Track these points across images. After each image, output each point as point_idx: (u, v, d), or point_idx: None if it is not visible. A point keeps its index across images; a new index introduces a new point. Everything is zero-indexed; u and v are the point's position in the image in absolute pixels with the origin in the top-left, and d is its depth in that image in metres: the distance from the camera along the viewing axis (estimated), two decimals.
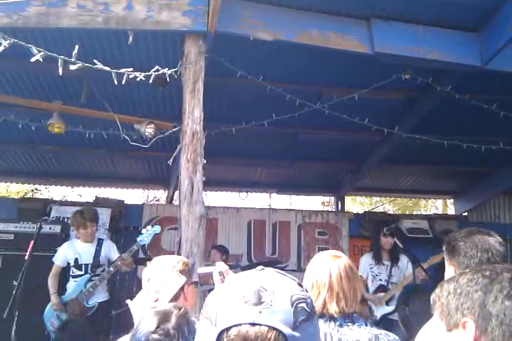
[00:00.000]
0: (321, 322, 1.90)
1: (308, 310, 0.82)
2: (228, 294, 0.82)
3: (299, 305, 0.81)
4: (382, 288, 5.11)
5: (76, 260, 4.96)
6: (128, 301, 2.00)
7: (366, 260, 5.28)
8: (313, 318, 0.83)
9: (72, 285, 4.92)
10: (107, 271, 4.87)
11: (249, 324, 0.77)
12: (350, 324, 1.90)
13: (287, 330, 0.77)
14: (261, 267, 0.89)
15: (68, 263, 5.00)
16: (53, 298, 4.82)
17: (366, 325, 1.95)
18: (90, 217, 5.02)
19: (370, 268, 5.21)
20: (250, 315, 0.77)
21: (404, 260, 5.10)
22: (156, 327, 1.49)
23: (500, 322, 0.91)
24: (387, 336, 1.90)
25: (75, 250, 5.01)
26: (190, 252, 3.55)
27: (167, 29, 3.83)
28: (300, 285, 0.86)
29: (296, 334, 0.77)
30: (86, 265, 4.96)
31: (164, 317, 1.52)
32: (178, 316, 1.53)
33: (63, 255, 5.01)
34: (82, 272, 4.94)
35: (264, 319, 0.77)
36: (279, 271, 0.88)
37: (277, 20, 4.01)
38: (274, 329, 0.76)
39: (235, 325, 0.77)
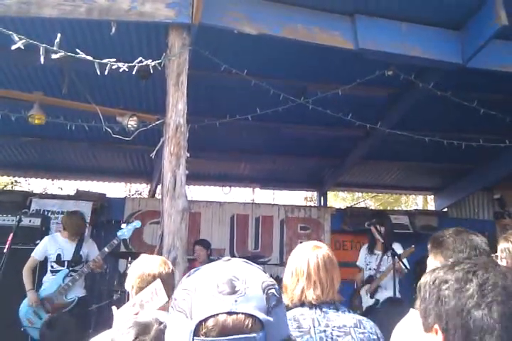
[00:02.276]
0: (306, 309, 1.97)
1: (277, 295, 0.84)
2: (200, 285, 0.82)
3: (270, 291, 0.82)
4: (370, 279, 5.28)
5: (59, 255, 4.93)
6: (114, 308, 2.00)
7: (363, 251, 5.54)
8: (281, 303, 0.85)
9: (49, 279, 4.87)
10: (80, 270, 4.84)
11: (226, 313, 0.77)
12: (334, 310, 1.97)
13: (262, 316, 0.79)
14: (227, 257, 0.90)
15: (46, 258, 4.94)
16: (30, 295, 4.72)
17: (349, 312, 2.03)
18: (85, 223, 5.27)
19: (365, 259, 5.44)
20: (226, 305, 0.78)
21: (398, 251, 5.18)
22: (134, 339, 1.47)
23: (465, 335, 0.90)
24: (368, 321, 2.01)
25: (57, 245, 4.96)
26: (173, 245, 3.54)
27: (151, 20, 3.79)
28: (265, 272, 0.89)
29: (270, 318, 0.79)
30: (68, 261, 4.94)
31: (144, 328, 1.50)
32: (158, 330, 1.51)
33: (43, 249, 4.94)
34: (64, 268, 4.91)
35: (240, 307, 0.78)
36: (245, 260, 0.89)
37: (262, 14, 4.00)
38: (251, 316, 0.78)
39: (212, 316, 0.77)
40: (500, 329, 0.87)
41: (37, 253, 4.93)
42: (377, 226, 5.25)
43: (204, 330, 0.77)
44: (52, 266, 4.90)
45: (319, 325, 1.90)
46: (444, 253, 2.06)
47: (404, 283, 5.24)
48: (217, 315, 0.77)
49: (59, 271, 4.89)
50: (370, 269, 5.34)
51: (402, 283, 5.16)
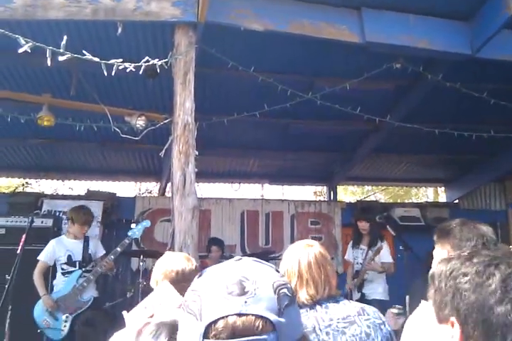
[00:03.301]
0: (304, 309, 1.94)
1: (289, 294, 0.83)
2: (210, 287, 0.81)
3: (281, 291, 0.81)
4: (357, 273, 5.41)
5: (69, 257, 4.93)
6: (124, 312, 1.99)
7: (350, 246, 5.69)
8: (294, 302, 0.84)
9: (61, 281, 4.88)
10: (94, 270, 4.84)
11: (236, 315, 0.76)
12: (334, 303, 1.96)
13: (274, 317, 0.78)
14: (238, 257, 0.88)
15: (55, 261, 4.95)
16: (46, 299, 4.71)
17: (350, 302, 2.01)
18: (93, 216, 5.11)
19: (352, 253, 5.57)
20: (236, 306, 0.77)
21: (385, 249, 5.32)
22: (169, 339, 1.47)
23: (486, 331, 0.88)
24: (370, 307, 1.99)
25: (65, 247, 4.96)
26: (184, 243, 3.55)
27: (157, 20, 3.78)
28: (277, 271, 0.87)
29: (282, 320, 0.78)
30: (79, 261, 4.95)
31: (172, 328, 1.51)
32: None
33: (52, 253, 4.92)
34: (76, 268, 4.92)
35: (251, 308, 0.77)
36: (256, 259, 0.88)
37: (268, 11, 3.98)
38: (261, 317, 0.77)
39: (221, 318, 0.76)
40: None
41: (47, 258, 4.90)
42: (389, 221, 5.29)
43: (214, 332, 0.76)
44: (62, 268, 4.90)
45: (323, 321, 1.89)
46: (452, 242, 2.07)
47: (417, 274, 5.25)
48: (227, 316, 0.76)
49: (71, 272, 4.90)
50: (357, 264, 5.46)
51: (401, 276, 5.18)
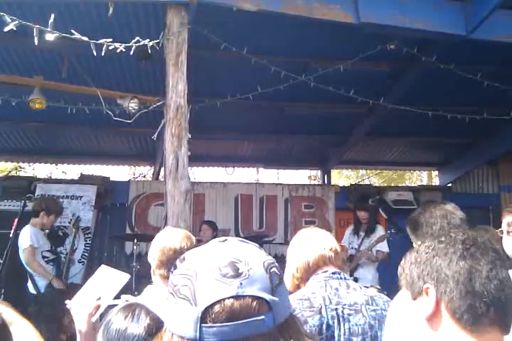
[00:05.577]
0: (316, 287, 1.94)
1: (278, 273, 0.83)
2: (201, 270, 0.79)
3: (272, 270, 0.82)
4: (351, 257, 5.64)
5: (51, 245, 5.14)
6: (67, 302, 1.97)
7: (348, 231, 5.94)
8: (283, 280, 0.85)
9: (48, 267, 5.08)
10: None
11: (233, 297, 0.76)
12: (346, 287, 1.95)
13: (269, 297, 0.78)
14: (223, 238, 0.87)
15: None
16: (57, 281, 4.91)
17: (361, 289, 2.01)
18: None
19: (349, 238, 5.83)
20: (232, 288, 0.77)
21: (377, 234, 5.55)
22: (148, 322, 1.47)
23: (456, 283, 0.96)
24: (381, 298, 1.98)
25: (42, 237, 5.08)
26: (177, 227, 3.54)
27: (148, 0, 3.73)
28: (261, 249, 0.87)
29: (276, 298, 0.79)
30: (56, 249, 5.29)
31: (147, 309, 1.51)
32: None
33: (36, 239, 4.97)
34: (55, 256, 5.17)
35: (247, 290, 0.77)
36: (241, 239, 0.88)
37: None
38: (257, 298, 0.77)
39: (218, 301, 0.76)
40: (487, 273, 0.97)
41: (34, 242, 4.92)
42: (381, 204, 5.38)
43: (212, 316, 0.75)
44: (46, 256, 5.08)
45: (330, 303, 1.87)
46: (420, 232, 2.14)
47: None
48: (224, 299, 0.76)
49: (53, 259, 5.14)
50: (352, 248, 5.69)
51: (392, 259, 5.27)
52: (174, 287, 0.81)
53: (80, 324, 1.84)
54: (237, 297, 0.76)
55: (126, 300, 1.81)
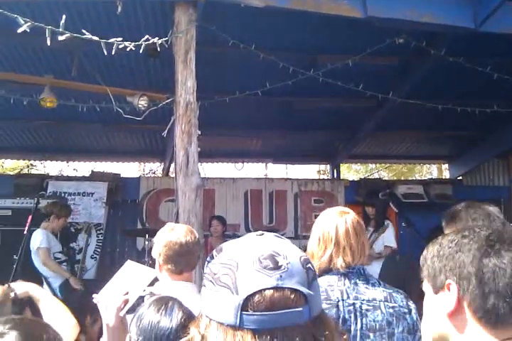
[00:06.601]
0: (334, 279, 1.91)
1: (313, 269, 0.87)
2: (242, 260, 0.83)
3: (308, 266, 0.85)
4: None
5: (62, 247, 5.27)
6: (95, 296, 1.99)
7: None
8: (317, 276, 0.88)
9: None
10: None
11: (273, 288, 0.80)
12: (364, 282, 1.92)
13: (306, 290, 0.81)
14: (260, 232, 0.90)
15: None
16: (74, 280, 5.04)
17: (380, 284, 1.96)
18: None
19: None
20: (272, 280, 0.80)
21: (389, 231, 5.54)
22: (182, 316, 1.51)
23: (479, 281, 0.94)
24: (398, 294, 1.94)
25: (53, 239, 5.19)
26: (188, 222, 3.58)
27: None
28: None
29: (311, 292, 0.82)
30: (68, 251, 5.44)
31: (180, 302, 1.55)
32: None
33: (48, 241, 5.08)
34: (66, 257, 5.32)
35: (286, 282, 0.80)
36: (277, 234, 0.91)
37: None
38: (295, 290, 0.81)
39: (258, 291, 0.79)
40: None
41: (46, 244, 5.03)
42: (391, 198, 5.36)
43: (252, 305, 0.79)
44: (59, 258, 5.22)
45: (348, 297, 1.85)
46: (459, 224, 2.05)
47: (419, 250, 5.34)
48: (264, 290, 0.79)
49: (64, 260, 5.29)
50: None
51: (403, 252, 5.31)
52: (214, 275, 0.84)
53: (108, 318, 1.86)
54: (276, 288, 0.79)
55: (151, 293, 1.85)
